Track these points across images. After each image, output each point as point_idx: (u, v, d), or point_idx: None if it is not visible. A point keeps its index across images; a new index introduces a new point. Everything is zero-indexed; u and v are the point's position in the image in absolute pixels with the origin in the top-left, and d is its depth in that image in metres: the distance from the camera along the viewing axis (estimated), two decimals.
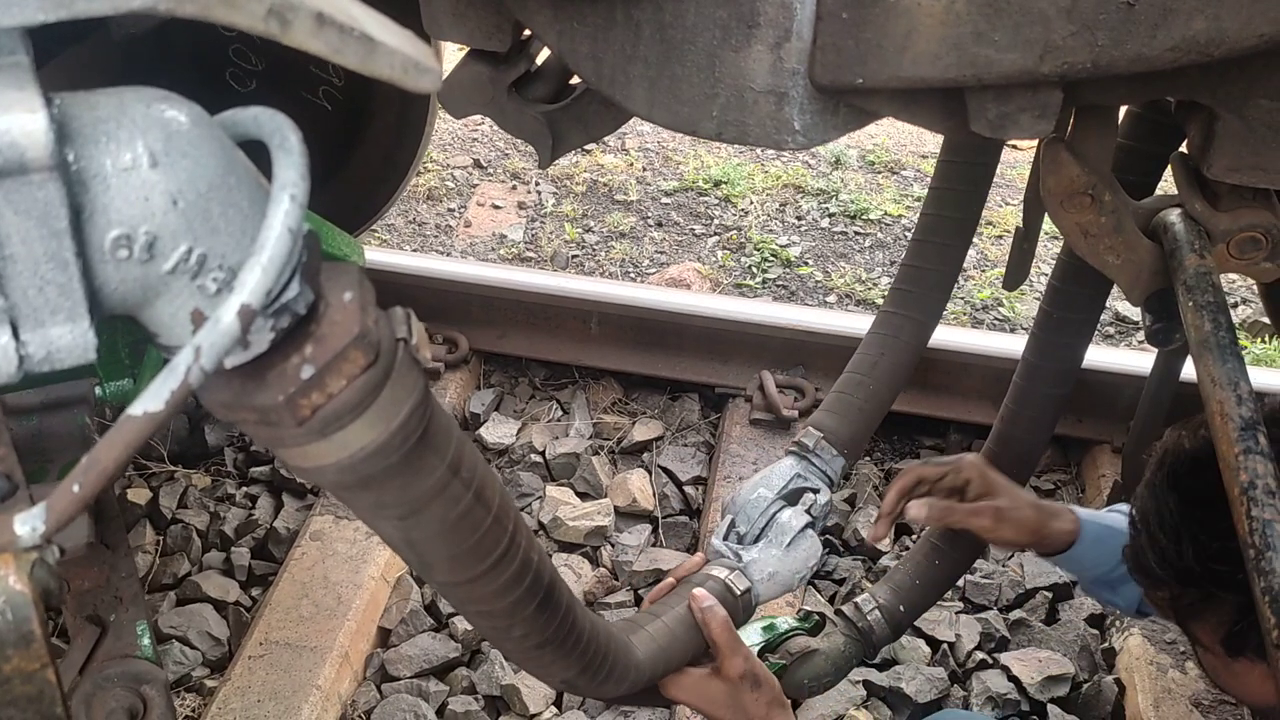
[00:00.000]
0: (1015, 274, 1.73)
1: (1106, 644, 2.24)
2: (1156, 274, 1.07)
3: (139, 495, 2.47)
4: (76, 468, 0.46)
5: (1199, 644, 1.04)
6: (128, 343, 0.84)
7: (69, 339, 0.46)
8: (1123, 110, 1.26)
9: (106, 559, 0.90)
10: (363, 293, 0.56)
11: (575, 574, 2.36)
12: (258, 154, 0.52)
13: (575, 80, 1.20)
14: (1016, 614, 2.29)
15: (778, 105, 0.87)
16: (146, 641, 0.90)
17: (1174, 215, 1.06)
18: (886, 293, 1.61)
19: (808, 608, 1.55)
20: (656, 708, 2.08)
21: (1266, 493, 0.77)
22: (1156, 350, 1.55)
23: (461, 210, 3.71)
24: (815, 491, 1.34)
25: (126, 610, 0.89)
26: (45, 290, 0.44)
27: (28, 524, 0.46)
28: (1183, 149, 1.14)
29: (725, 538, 1.31)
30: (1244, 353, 1.08)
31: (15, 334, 0.44)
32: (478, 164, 3.93)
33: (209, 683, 2.14)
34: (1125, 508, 1.44)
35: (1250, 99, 0.92)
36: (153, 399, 0.45)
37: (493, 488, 0.70)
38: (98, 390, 0.87)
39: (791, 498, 1.33)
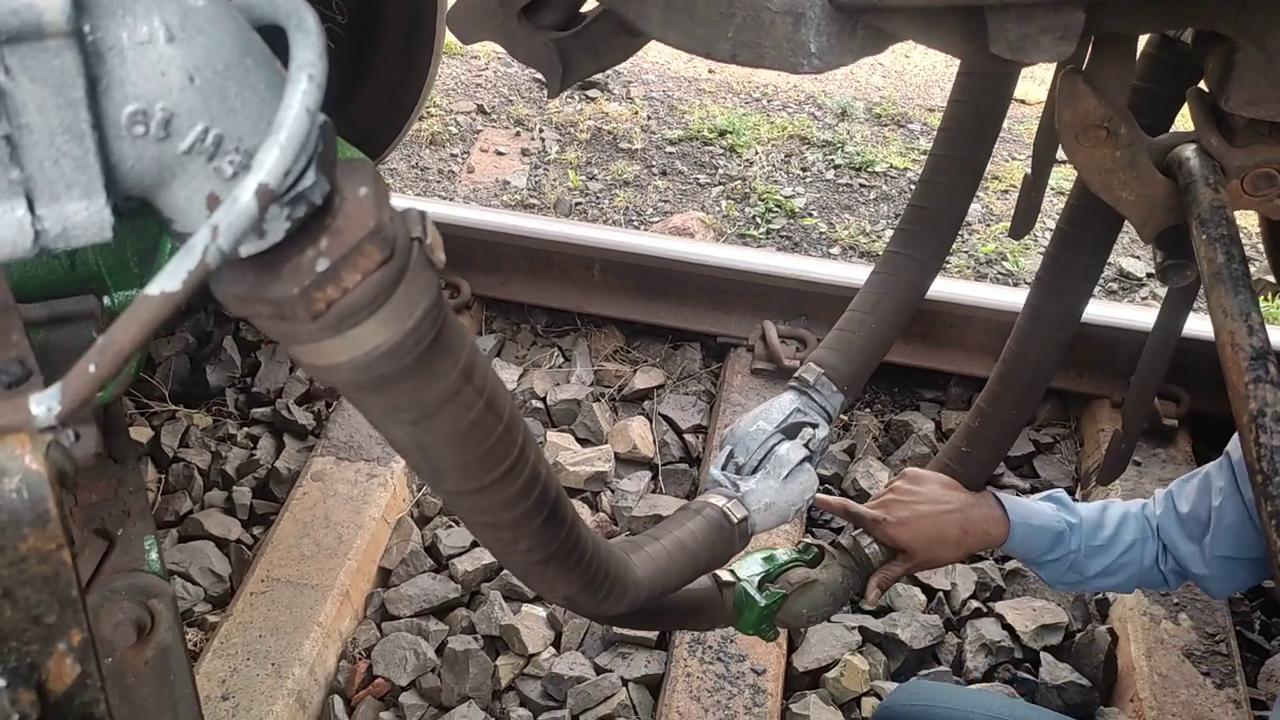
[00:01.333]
0: (1022, 222, 1.71)
1: (1100, 595, 2.26)
2: (1169, 210, 1.06)
3: (140, 434, 2.47)
4: (93, 348, 0.46)
5: None
6: (136, 250, 0.83)
7: (85, 215, 0.46)
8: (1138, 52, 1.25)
9: (114, 472, 0.90)
10: (378, 189, 0.56)
11: None
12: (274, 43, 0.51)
13: (586, 7, 1.18)
14: (1012, 564, 2.31)
15: (794, 26, 0.86)
16: (154, 556, 0.90)
17: (1189, 150, 1.05)
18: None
19: (808, 540, 1.56)
20: (651, 631, 2.10)
21: (1275, 420, 0.77)
22: (1160, 304, 1.55)
23: (464, 156, 3.68)
24: (814, 426, 1.35)
25: (134, 524, 0.90)
26: (61, 163, 0.44)
27: (43, 404, 0.46)
28: (1200, 86, 1.13)
29: (723, 468, 1.32)
30: None
31: (31, 207, 0.44)
32: (481, 109, 3.90)
33: (211, 618, 2.16)
34: (1059, 496, 1.47)
35: (1272, 30, 0.91)
36: (169, 279, 0.45)
37: (504, 398, 0.70)
38: (106, 300, 0.86)
39: (790, 431, 1.34)
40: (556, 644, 2.14)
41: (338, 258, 0.53)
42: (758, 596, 1.37)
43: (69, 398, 0.46)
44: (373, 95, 2.81)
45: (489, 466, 0.71)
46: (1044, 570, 1.49)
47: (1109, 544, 1.44)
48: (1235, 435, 1.25)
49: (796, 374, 1.44)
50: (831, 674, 2.05)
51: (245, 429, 2.56)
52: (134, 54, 0.44)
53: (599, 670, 2.07)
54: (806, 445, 1.36)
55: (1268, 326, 0.90)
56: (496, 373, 0.70)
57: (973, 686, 2.06)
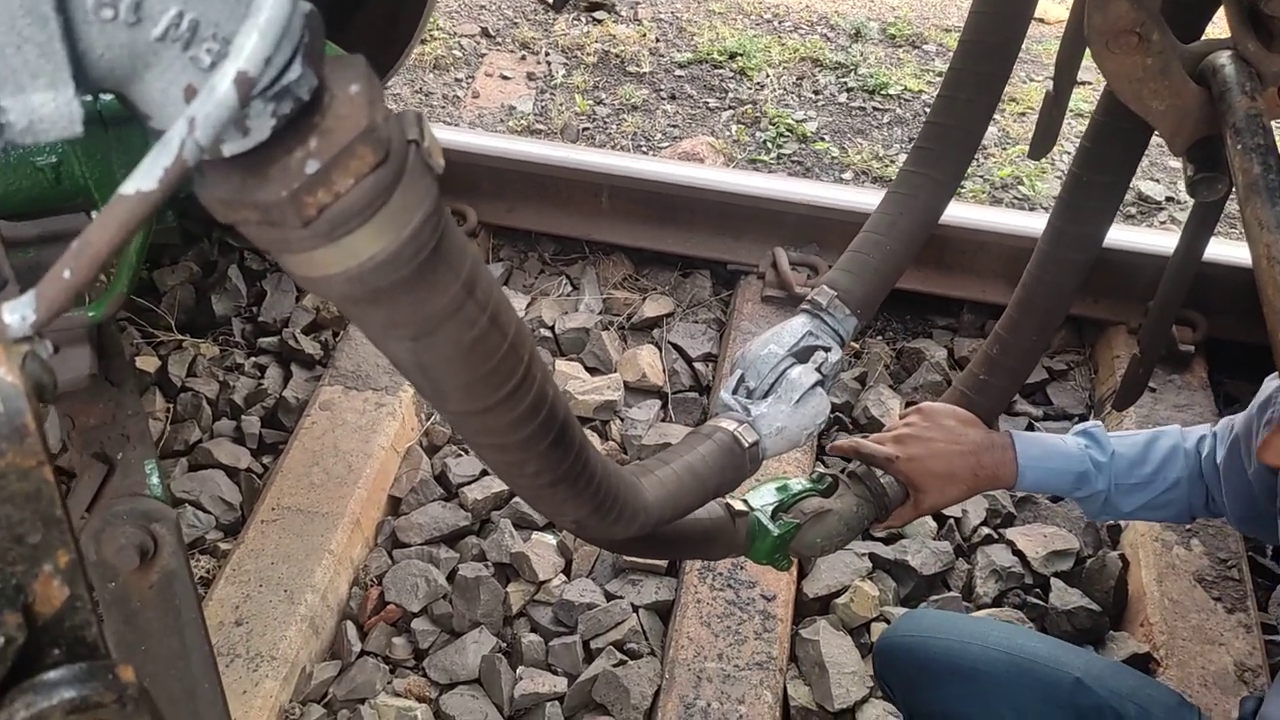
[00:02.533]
0: (1042, 141, 1.66)
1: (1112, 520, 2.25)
2: (1201, 121, 1.02)
3: (148, 363, 2.46)
4: (67, 253, 0.43)
5: None
6: (124, 163, 0.80)
7: (52, 108, 0.42)
8: None
9: (112, 395, 0.88)
10: (371, 86, 0.52)
11: None
12: None
13: None
14: (1021, 491, 2.30)
15: None
16: (156, 480, 0.89)
17: (1224, 57, 1.00)
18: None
19: (821, 469, 1.54)
20: (663, 560, 2.11)
21: None
22: (1180, 229, 1.51)
23: (469, 80, 3.60)
24: (826, 350, 1.32)
25: (134, 448, 0.88)
26: (24, 49, 0.41)
27: (17, 313, 0.44)
28: None
29: (734, 392, 1.29)
30: None
31: None
32: (485, 33, 3.80)
33: (223, 545, 2.17)
34: (1093, 431, 1.43)
35: None
36: (145, 177, 0.42)
37: (508, 314, 0.67)
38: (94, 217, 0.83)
39: (802, 355, 1.31)
40: (567, 571, 2.15)
41: (328, 159, 0.50)
42: (771, 526, 1.35)
43: (44, 306, 0.43)
44: (372, 17, 2.73)
45: (494, 386, 0.69)
46: (1079, 505, 1.46)
47: (1148, 482, 1.38)
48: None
49: (809, 296, 1.41)
50: (841, 600, 2.05)
51: (252, 358, 2.54)
52: None
53: (609, 597, 2.07)
54: (819, 369, 1.33)
55: None
56: (501, 288, 0.67)
57: (980, 613, 2.06)
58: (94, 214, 0.84)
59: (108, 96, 0.49)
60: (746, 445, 1.23)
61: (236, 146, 0.48)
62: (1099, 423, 1.49)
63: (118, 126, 0.79)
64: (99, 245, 0.42)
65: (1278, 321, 0.76)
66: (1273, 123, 0.99)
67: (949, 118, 1.46)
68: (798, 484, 1.41)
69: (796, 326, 1.37)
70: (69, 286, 0.43)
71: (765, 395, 1.30)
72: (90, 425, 0.88)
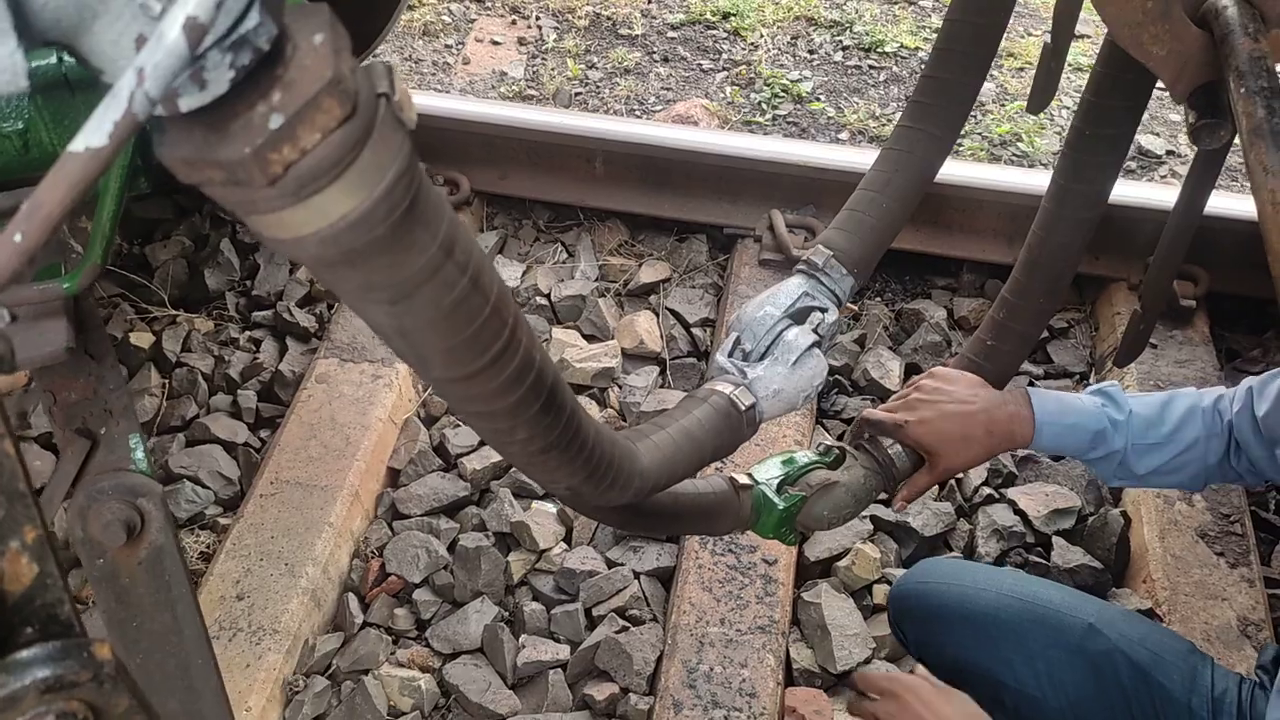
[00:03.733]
0: (1041, 95, 1.63)
1: None
2: (1203, 66, 0.99)
3: (142, 339, 2.45)
4: (17, 215, 0.41)
5: None
6: None
7: None
8: None
9: (92, 369, 0.86)
10: (335, 35, 0.50)
11: None
12: None
13: None
14: (1024, 451, 2.29)
15: None
16: (140, 455, 0.87)
17: None
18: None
19: (828, 442, 1.52)
20: (666, 534, 2.10)
21: None
22: (1180, 183, 1.49)
23: (459, 46, 3.55)
24: (823, 311, 1.30)
25: (118, 423, 0.86)
26: None
27: None
28: None
29: (730, 355, 1.28)
30: None
31: None
32: None
33: (222, 520, 2.17)
34: (1110, 390, 1.40)
35: None
36: (94, 132, 0.40)
37: (490, 275, 0.65)
38: None
39: (799, 316, 1.29)
40: (568, 539, 2.14)
41: (292, 113, 0.47)
42: (776, 499, 1.33)
43: None
44: None
45: (477, 351, 0.67)
46: (1094, 467, 1.42)
47: (1165, 441, 1.35)
48: None
49: (805, 256, 1.39)
50: (843, 563, 2.05)
51: (247, 332, 2.52)
52: None
53: (610, 564, 2.07)
54: (815, 330, 1.31)
55: None
56: (481, 249, 0.65)
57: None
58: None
59: (72, 59, 0.47)
60: (743, 408, 1.22)
61: (194, 101, 0.46)
62: (1115, 383, 1.46)
63: (84, 90, 0.77)
64: (50, 206, 0.40)
65: None
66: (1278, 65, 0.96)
67: (945, 70, 1.43)
68: (804, 457, 1.39)
69: (792, 287, 1.35)
70: (21, 250, 0.41)
71: (762, 357, 1.28)
72: (72, 400, 0.87)
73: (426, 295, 0.61)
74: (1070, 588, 1.53)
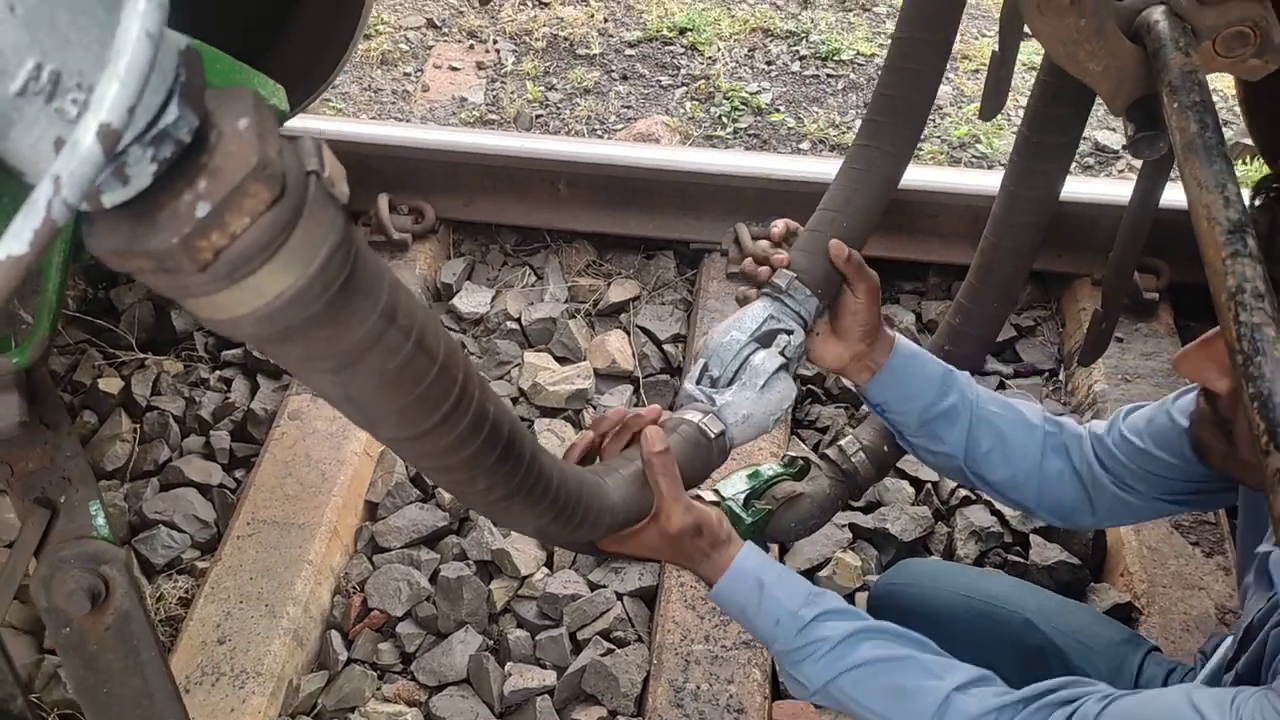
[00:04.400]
0: (992, 102, 1.65)
1: None
2: (1139, 80, 1.01)
3: (110, 384, 2.43)
4: None
5: None
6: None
7: None
8: None
9: (48, 439, 0.86)
10: (260, 118, 0.50)
11: (559, 438, 2.35)
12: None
13: None
14: None
15: None
16: (101, 521, 0.87)
17: (1158, 13, 0.99)
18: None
19: (792, 453, 1.53)
20: (635, 560, 2.10)
21: (1255, 296, 0.73)
22: (1135, 177, 1.51)
23: (418, 74, 3.55)
24: (789, 333, 1.30)
25: (77, 491, 0.86)
26: None
27: None
28: None
29: (698, 382, 1.28)
30: None
31: None
32: (431, 24, 3.75)
33: (200, 564, 2.15)
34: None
35: None
36: (14, 240, 0.40)
37: (436, 335, 0.65)
38: None
39: (765, 339, 1.30)
40: (549, 564, 2.14)
41: (218, 200, 0.48)
42: (744, 514, 1.34)
43: None
44: (311, 13, 2.67)
45: (427, 410, 0.67)
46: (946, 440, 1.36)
47: (1005, 409, 1.33)
48: None
49: (767, 279, 1.39)
50: (824, 572, 2.06)
51: (217, 372, 2.51)
52: None
53: (593, 587, 2.07)
54: (782, 353, 1.32)
55: (1244, 194, 0.85)
56: (427, 308, 0.66)
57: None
58: None
59: None
60: (713, 436, 1.22)
61: (118, 196, 0.46)
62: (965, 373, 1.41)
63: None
64: None
65: (1220, 282, 0.75)
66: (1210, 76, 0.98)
67: (897, 88, 1.45)
68: (769, 469, 1.40)
69: (757, 311, 1.35)
70: None
71: (730, 383, 1.29)
72: (30, 471, 0.86)
73: (371, 363, 0.61)
74: (1020, 581, 1.57)
